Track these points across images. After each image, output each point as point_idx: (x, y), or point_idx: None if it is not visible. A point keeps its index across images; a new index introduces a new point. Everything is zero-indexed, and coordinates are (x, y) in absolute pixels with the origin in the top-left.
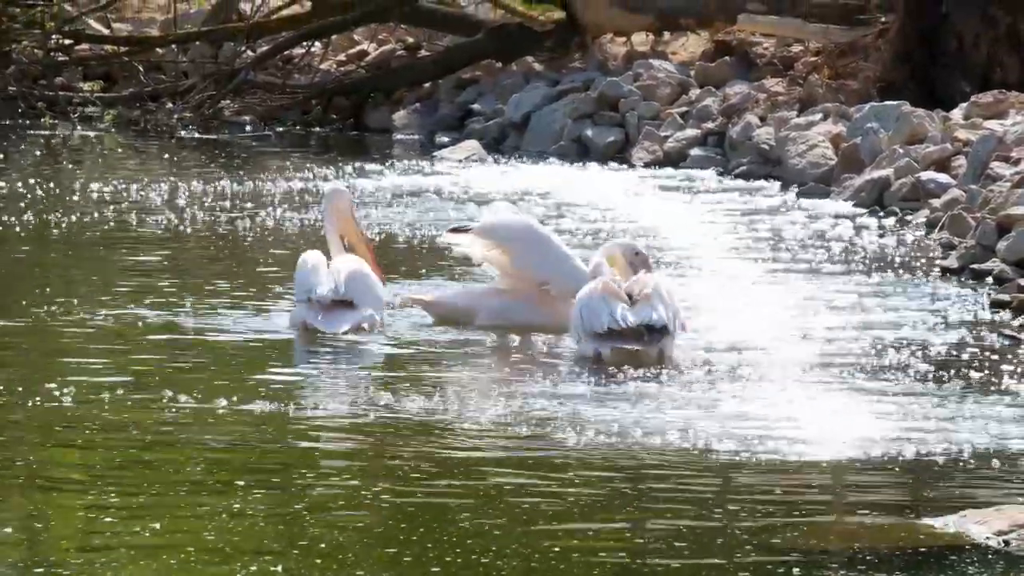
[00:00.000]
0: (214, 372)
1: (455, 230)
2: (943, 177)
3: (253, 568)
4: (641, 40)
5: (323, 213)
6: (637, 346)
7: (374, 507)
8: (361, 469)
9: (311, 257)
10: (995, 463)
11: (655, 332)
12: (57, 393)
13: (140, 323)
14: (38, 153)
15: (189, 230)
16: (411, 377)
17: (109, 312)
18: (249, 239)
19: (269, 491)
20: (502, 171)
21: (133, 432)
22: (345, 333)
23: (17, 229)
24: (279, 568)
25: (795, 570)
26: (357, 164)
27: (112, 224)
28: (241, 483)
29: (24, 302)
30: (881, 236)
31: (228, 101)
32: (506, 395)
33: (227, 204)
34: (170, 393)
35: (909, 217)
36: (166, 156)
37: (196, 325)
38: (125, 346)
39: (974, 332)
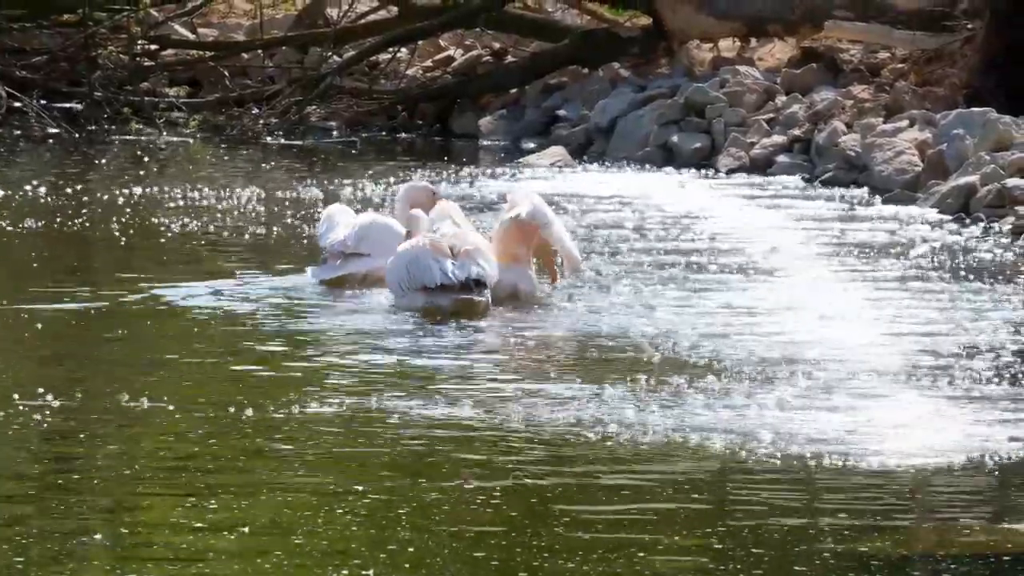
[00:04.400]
0: (305, 368)
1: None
2: None
3: (344, 572)
4: (727, 46)
5: (396, 203)
6: (465, 296)
7: (468, 510)
8: (459, 470)
9: (331, 209)
10: None
11: (480, 284)
12: (155, 391)
13: (230, 322)
14: (124, 158)
15: (273, 234)
16: (508, 371)
17: (194, 309)
18: None
19: (373, 494)
20: (588, 176)
21: (234, 432)
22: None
23: (107, 233)
24: (370, 573)
25: None
26: (442, 170)
27: (197, 228)
28: (335, 484)
29: (113, 300)
30: (966, 243)
31: (314, 107)
32: (595, 395)
33: (313, 210)
34: (267, 390)
35: (995, 224)
36: (251, 162)
37: (288, 323)
38: (215, 342)
39: None
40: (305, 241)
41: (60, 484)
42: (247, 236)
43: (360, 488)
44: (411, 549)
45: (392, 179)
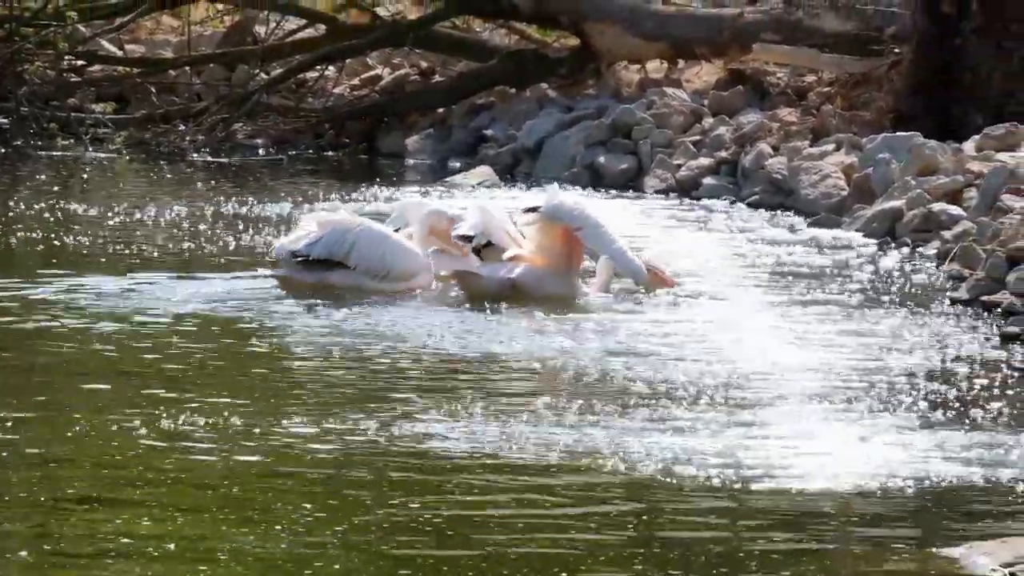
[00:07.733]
0: (235, 383)
1: (529, 210)
2: (954, 209)
3: None
4: (655, 67)
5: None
6: (303, 275)
7: (394, 528)
8: (393, 484)
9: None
10: (1001, 495)
11: (315, 263)
12: (69, 405)
13: (145, 340)
14: (49, 175)
15: (193, 252)
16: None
17: (111, 325)
18: (255, 259)
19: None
20: (514, 196)
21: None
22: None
23: (26, 249)
24: None
25: None
26: (369, 188)
27: (117, 245)
28: (259, 502)
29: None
30: (892, 267)
31: (241, 124)
32: (575, 417)
33: (236, 227)
34: (193, 405)
35: (920, 248)
36: (177, 179)
37: (208, 343)
38: (130, 358)
39: (983, 364)
40: (226, 249)
41: None
42: (169, 248)
43: (282, 506)
44: (336, 566)
45: (318, 198)
